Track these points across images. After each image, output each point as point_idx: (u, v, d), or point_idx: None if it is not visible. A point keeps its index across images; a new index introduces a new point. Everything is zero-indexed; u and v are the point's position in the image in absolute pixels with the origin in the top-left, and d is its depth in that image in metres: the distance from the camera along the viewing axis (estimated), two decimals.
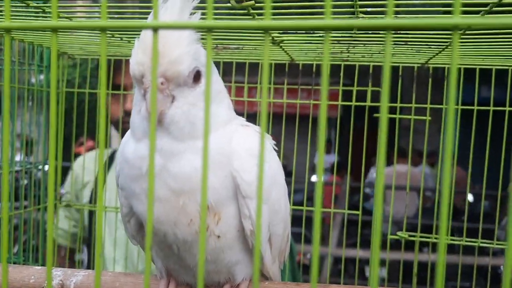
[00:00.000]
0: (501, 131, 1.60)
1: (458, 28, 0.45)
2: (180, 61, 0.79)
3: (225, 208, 0.89)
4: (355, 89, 1.74)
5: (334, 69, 1.79)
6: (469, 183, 1.70)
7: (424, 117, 1.60)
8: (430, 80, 1.58)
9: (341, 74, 1.74)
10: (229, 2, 0.96)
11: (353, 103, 1.74)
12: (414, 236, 1.70)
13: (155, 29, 0.50)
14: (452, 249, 1.80)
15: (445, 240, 0.45)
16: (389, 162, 4.89)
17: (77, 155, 2.26)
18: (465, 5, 0.99)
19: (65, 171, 2.18)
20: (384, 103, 0.47)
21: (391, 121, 1.63)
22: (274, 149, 1.01)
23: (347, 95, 1.80)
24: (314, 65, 1.80)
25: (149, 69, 0.77)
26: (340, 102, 1.79)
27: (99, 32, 0.49)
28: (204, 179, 0.52)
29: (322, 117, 0.48)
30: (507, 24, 0.47)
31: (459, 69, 1.60)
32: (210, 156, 0.84)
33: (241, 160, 0.87)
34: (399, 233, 1.73)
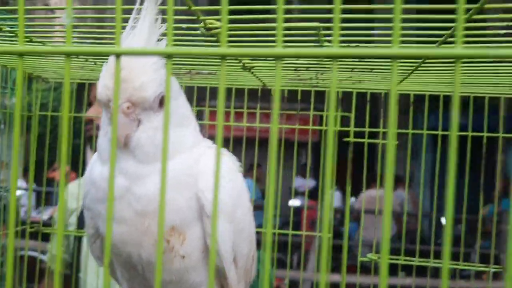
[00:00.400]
0: (476, 157, 1.67)
1: (396, 57, 0.49)
2: (145, 87, 0.82)
3: (190, 229, 0.90)
4: (325, 114, 1.79)
5: (306, 95, 1.84)
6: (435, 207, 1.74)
7: (393, 142, 1.65)
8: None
9: (312, 99, 1.78)
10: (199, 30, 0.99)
11: (323, 127, 1.79)
12: (397, 259, 1.73)
13: (118, 55, 0.53)
14: (420, 271, 1.83)
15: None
16: (367, 186, 4.95)
17: (51, 180, 2.24)
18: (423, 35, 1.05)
19: (40, 195, 2.16)
20: (331, 128, 0.51)
21: (366, 147, 1.69)
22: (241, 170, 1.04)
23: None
24: (286, 91, 1.84)
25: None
26: (310, 127, 1.83)
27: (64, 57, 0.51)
28: (162, 201, 0.54)
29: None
30: (441, 54, 0.51)
31: (423, 95, 1.67)
32: (176, 178, 0.86)
33: (206, 181, 0.89)
34: (369, 255, 1.75)
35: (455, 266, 1.69)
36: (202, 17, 0.98)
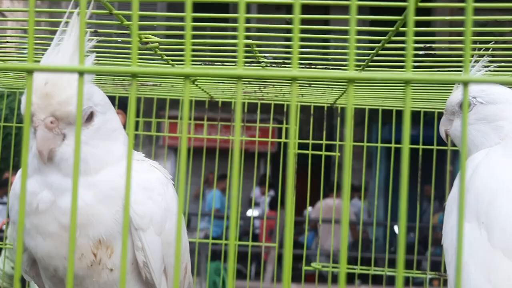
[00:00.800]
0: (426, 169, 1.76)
1: (352, 80, 0.53)
2: (69, 102, 0.83)
3: (117, 241, 0.91)
4: (270, 126, 1.83)
5: (253, 107, 1.88)
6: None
7: (334, 153, 1.72)
8: (338, 119, 1.72)
9: (258, 111, 1.82)
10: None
11: (269, 139, 1.83)
12: (354, 268, 1.78)
13: (30, 72, 0.52)
14: (376, 279, 1.90)
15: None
16: (323, 196, 5.03)
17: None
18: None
19: None
20: (291, 140, 0.54)
21: (318, 158, 1.75)
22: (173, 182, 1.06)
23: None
24: (233, 103, 1.87)
25: (39, 108, 0.82)
26: (270, 139, 1.87)
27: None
28: (73, 217, 0.54)
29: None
30: (383, 78, 0.55)
31: (364, 109, 1.76)
32: (103, 191, 0.88)
33: (133, 194, 0.91)
34: (313, 264, 1.81)
35: (408, 274, 1.78)
36: (138, 33, 1.00)
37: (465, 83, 0.50)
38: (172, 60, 1.23)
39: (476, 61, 1.05)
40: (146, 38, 0.97)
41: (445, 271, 1.77)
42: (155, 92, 1.75)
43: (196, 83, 1.47)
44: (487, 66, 1.04)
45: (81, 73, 0.53)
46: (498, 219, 0.83)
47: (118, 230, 0.90)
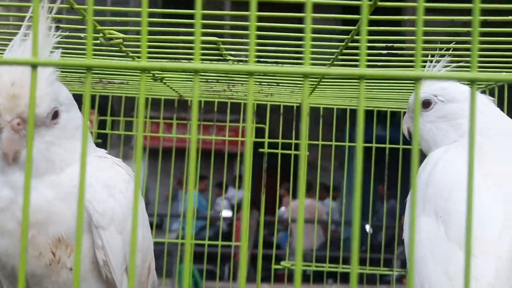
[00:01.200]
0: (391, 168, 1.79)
1: (308, 75, 0.53)
2: (37, 103, 0.82)
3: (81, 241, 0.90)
4: (240, 125, 1.83)
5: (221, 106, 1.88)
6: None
7: (301, 152, 1.73)
8: (307, 118, 1.73)
9: (228, 111, 1.82)
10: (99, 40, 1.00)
11: (239, 138, 1.83)
12: (323, 266, 1.80)
13: None
14: (345, 278, 1.92)
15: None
16: (295, 196, 5.03)
17: None
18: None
19: None
20: (248, 138, 0.54)
21: (289, 157, 1.76)
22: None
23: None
24: (203, 102, 1.87)
25: (5, 109, 0.80)
26: (227, 138, 1.87)
27: None
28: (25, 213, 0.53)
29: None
30: (346, 74, 0.56)
31: (332, 109, 1.78)
32: (64, 190, 0.87)
33: (93, 191, 0.91)
34: (282, 263, 1.82)
35: (375, 272, 1.80)
36: (99, 28, 0.99)
37: (417, 79, 0.51)
38: (138, 57, 1.22)
39: (437, 61, 1.07)
40: (110, 34, 0.96)
41: None
42: (123, 90, 1.73)
43: (164, 81, 1.46)
44: (447, 66, 1.07)
45: (34, 66, 0.52)
46: (455, 213, 0.85)
47: (82, 230, 0.89)
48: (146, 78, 1.42)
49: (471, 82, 0.49)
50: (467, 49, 1.13)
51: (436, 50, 1.07)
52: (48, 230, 0.87)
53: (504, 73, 1.17)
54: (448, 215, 0.86)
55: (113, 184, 0.94)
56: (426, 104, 1.02)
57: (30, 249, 0.87)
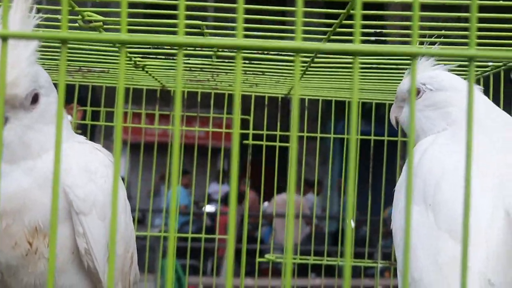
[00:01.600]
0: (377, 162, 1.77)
1: (300, 51, 0.50)
2: (17, 83, 0.78)
3: (57, 228, 0.86)
4: (224, 116, 1.80)
5: (205, 97, 1.85)
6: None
7: (288, 144, 1.71)
8: (298, 103, 1.71)
9: (212, 102, 1.79)
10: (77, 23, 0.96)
11: (224, 130, 1.80)
12: (307, 259, 1.79)
13: None
14: (329, 272, 1.91)
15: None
16: (279, 191, 5.04)
17: None
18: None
19: None
20: (236, 130, 0.51)
21: (274, 150, 1.73)
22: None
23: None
24: (186, 92, 1.83)
25: None
26: (211, 129, 1.84)
27: None
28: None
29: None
30: (338, 49, 0.53)
31: (317, 102, 1.75)
32: (43, 175, 0.83)
33: (73, 176, 0.87)
34: (267, 255, 1.80)
35: (359, 264, 1.79)
36: (78, 9, 0.95)
37: (414, 56, 0.49)
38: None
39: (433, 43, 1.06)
40: (89, 16, 0.93)
41: (395, 260, 1.81)
42: (104, 80, 1.68)
43: (146, 69, 1.42)
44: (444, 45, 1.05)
45: (4, 38, 0.48)
46: (444, 201, 0.84)
47: (58, 216, 0.85)
48: (127, 65, 1.38)
49: (469, 60, 0.47)
50: (465, 29, 1.12)
51: (432, 30, 1.06)
52: (24, 219, 0.83)
53: (503, 50, 1.15)
54: (437, 204, 0.84)
55: (93, 169, 0.90)
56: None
57: (5, 239, 0.83)
